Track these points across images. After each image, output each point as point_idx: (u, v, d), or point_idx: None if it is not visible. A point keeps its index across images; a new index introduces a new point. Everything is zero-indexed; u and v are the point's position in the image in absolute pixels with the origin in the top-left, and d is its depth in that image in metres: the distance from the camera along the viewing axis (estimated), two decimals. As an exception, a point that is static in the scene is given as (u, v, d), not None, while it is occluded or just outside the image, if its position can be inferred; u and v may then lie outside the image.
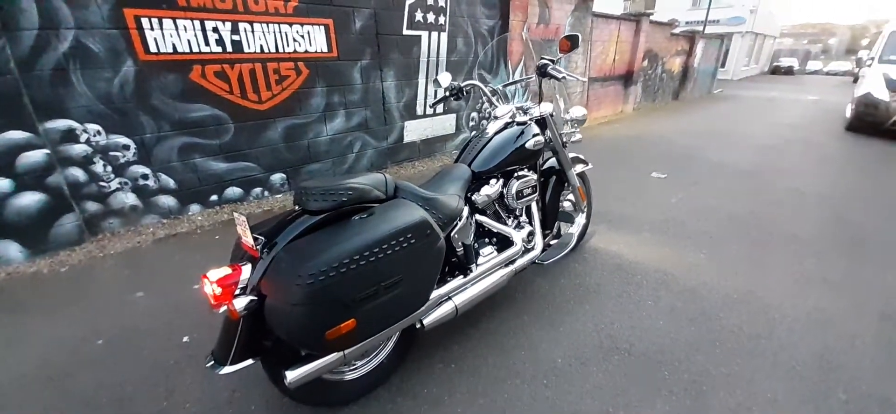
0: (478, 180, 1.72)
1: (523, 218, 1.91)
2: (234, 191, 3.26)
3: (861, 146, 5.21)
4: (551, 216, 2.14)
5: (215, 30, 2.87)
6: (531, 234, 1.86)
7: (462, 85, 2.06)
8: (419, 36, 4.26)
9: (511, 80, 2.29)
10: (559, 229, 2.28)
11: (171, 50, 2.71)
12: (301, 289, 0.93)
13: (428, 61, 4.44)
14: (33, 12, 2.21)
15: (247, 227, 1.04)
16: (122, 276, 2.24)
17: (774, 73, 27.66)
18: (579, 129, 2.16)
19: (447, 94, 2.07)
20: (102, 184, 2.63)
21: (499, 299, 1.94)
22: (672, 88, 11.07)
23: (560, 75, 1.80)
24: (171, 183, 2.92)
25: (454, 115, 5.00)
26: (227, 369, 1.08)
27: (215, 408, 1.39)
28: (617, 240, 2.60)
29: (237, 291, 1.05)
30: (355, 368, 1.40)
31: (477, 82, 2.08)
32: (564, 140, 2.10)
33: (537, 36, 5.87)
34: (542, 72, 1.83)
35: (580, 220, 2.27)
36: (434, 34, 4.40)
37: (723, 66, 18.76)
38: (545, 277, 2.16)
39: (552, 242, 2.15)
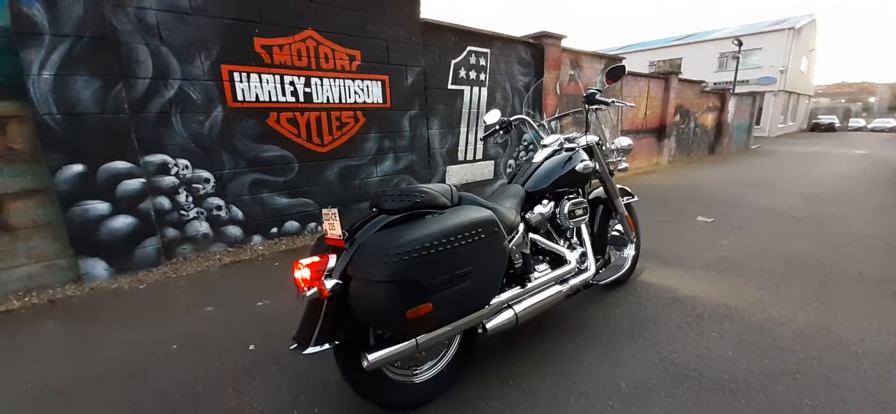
0: (530, 200, 1.81)
1: (574, 240, 1.95)
2: (292, 225, 3.50)
3: (927, 196, 4.89)
4: (600, 243, 2.16)
5: (291, 83, 3.28)
6: (584, 255, 1.88)
7: (510, 119, 2.23)
8: (462, 90, 4.62)
9: (559, 115, 2.44)
10: (609, 257, 2.28)
11: (254, 99, 3.11)
12: (387, 266, 1.02)
13: (469, 113, 4.76)
14: (148, 64, 2.66)
15: (337, 218, 1.16)
16: (194, 293, 2.42)
17: (814, 130, 26.82)
18: (625, 158, 2.24)
19: (497, 127, 2.24)
20: (183, 212, 2.92)
21: (551, 324, 1.94)
22: (707, 143, 10.99)
23: (609, 101, 1.92)
24: (240, 214, 3.20)
25: (492, 162, 5.21)
26: (311, 350, 1.15)
27: (281, 408, 1.44)
28: (669, 275, 2.54)
29: (325, 276, 1.16)
30: (419, 373, 1.43)
31: (525, 117, 2.25)
32: (611, 169, 2.18)
33: (569, 92, 6.17)
34: (591, 99, 1.96)
35: (630, 249, 2.27)
36: (476, 89, 4.76)
37: (758, 123, 18.48)
38: (597, 306, 2.14)
39: (604, 268, 2.15)
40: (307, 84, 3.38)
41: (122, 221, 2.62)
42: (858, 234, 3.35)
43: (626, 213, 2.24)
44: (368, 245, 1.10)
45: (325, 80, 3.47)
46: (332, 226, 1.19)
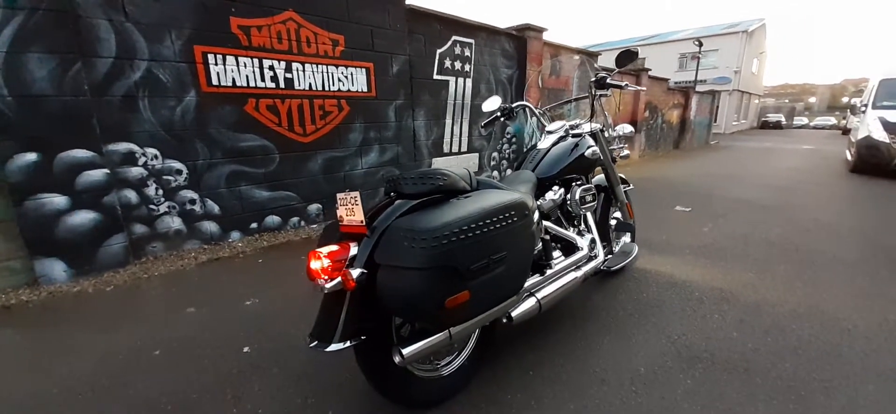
0: (540, 187, 1.77)
1: (582, 226, 1.93)
2: (273, 219, 3.29)
3: (869, 185, 5.33)
4: (603, 229, 2.16)
5: (271, 68, 3.07)
6: (593, 241, 1.87)
7: (512, 106, 2.19)
8: (447, 81, 4.53)
9: (561, 101, 2.42)
10: (613, 244, 2.30)
11: (230, 83, 2.88)
12: (424, 252, 0.93)
13: (454, 104, 4.68)
14: (111, 41, 2.38)
15: (359, 202, 1.06)
16: (171, 294, 2.20)
17: (764, 127, 28.89)
18: (627, 145, 2.25)
19: (499, 114, 2.18)
20: (152, 207, 2.66)
21: (560, 314, 1.91)
22: (672, 138, 11.52)
23: (622, 84, 1.91)
24: (216, 209, 2.96)
25: (477, 155, 5.16)
26: (334, 347, 1.05)
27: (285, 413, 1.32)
28: (663, 262, 2.59)
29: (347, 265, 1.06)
30: (441, 367, 1.35)
31: (527, 103, 2.21)
32: (613, 156, 2.18)
33: (550, 85, 6.24)
34: (601, 84, 1.94)
35: (630, 236, 2.29)
36: (461, 80, 4.69)
37: (715, 120, 19.64)
38: (600, 293, 2.14)
39: (611, 253, 2.15)
40: (288, 69, 3.18)
41: (84, 217, 2.35)
42: (823, 221, 3.59)
43: (626, 200, 2.25)
44: (399, 230, 1.01)
45: (307, 65, 3.28)
46: (352, 211, 1.09)
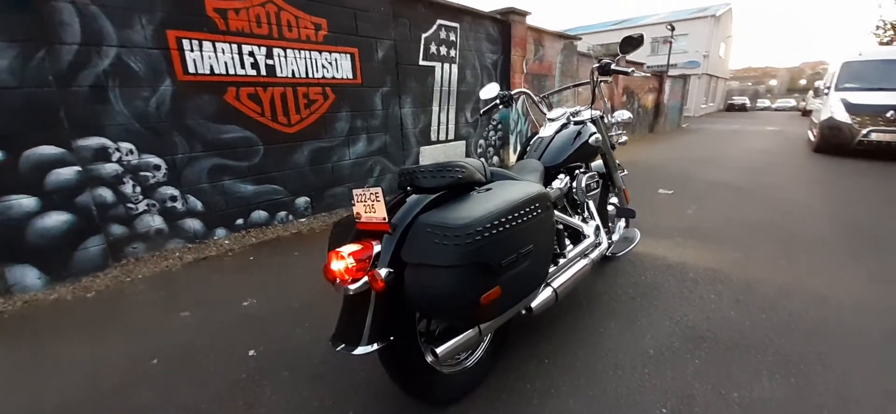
0: (546, 176, 1.77)
1: (586, 214, 1.95)
2: (259, 214, 3.16)
3: (834, 165, 5.67)
4: (603, 216, 2.19)
5: (251, 54, 2.90)
6: (598, 227, 1.89)
7: (511, 93, 2.16)
8: (433, 67, 4.44)
9: (560, 87, 2.41)
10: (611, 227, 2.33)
11: (208, 71, 2.70)
12: (458, 249, 0.90)
13: (441, 91, 4.60)
14: (76, 27, 2.18)
15: (381, 199, 1.02)
16: (159, 298, 2.08)
17: (729, 110, 30.12)
18: (624, 131, 2.27)
19: (497, 101, 2.15)
20: (130, 205, 2.49)
21: (566, 301, 1.93)
22: (648, 122, 11.84)
23: (629, 71, 1.91)
24: (199, 206, 2.81)
25: (463, 142, 5.12)
26: (362, 349, 1.01)
27: (309, 418, 1.27)
28: (654, 245, 2.67)
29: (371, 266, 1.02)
30: (463, 362, 1.34)
31: (526, 90, 2.19)
32: (612, 142, 2.20)
33: (533, 71, 6.23)
34: (605, 70, 1.93)
35: (625, 222, 2.34)
36: (447, 65, 4.60)
37: (685, 103, 20.32)
38: (601, 278, 2.18)
39: (614, 239, 2.19)
40: (269, 55, 3.02)
41: (56, 219, 2.17)
42: (798, 201, 3.79)
43: (623, 186, 2.29)
44: (426, 226, 0.97)
45: (289, 51, 3.12)
46: (372, 208, 1.04)
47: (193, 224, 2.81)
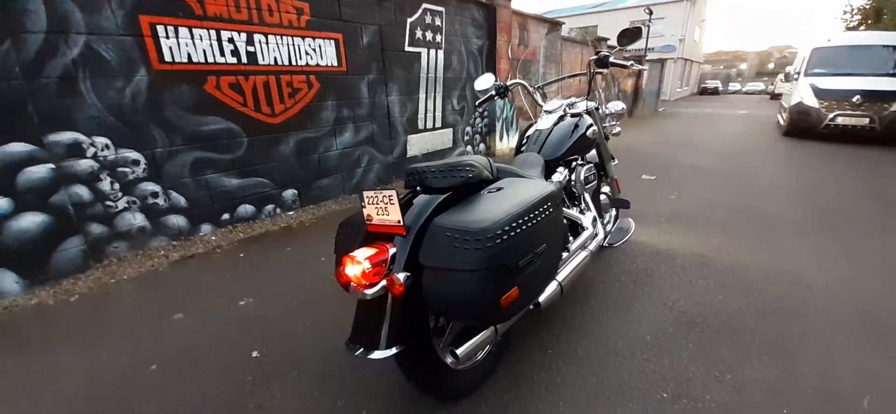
0: (546, 169, 1.78)
1: (583, 205, 1.99)
2: (246, 209, 3.06)
3: (803, 148, 5.96)
4: (597, 206, 2.24)
5: (231, 40, 2.76)
6: (595, 219, 1.93)
7: (507, 84, 2.15)
8: (419, 52, 4.35)
9: (556, 78, 2.41)
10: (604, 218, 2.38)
11: (186, 59, 2.56)
12: (479, 253, 0.91)
13: (427, 78, 4.53)
14: (41, 14, 2.01)
15: (396, 201, 1.00)
16: (149, 300, 2.01)
17: (703, 93, 31.02)
18: (618, 123, 2.31)
19: (493, 91, 2.13)
20: (109, 203, 2.37)
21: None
22: (627, 107, 12.07)
23: (627, 64, 1.92)
24: (182, 201, 2.70)
25: (451, 130, 5.09)
26: (381, 354, 1.01)
27: (322, 418, 1.27)
28: (643, 231, 2.75)
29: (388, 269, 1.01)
30: (473, 358, 1.36)
31: (522, 81, 2.18)
32: (606, 133, 2.24)
33: (518, 56, 6.21)
34: (603, 63, 1.93)
35: (615, 211, 2.40)
36: (432, 51, 4.53)
37: (661, 87, 20.78)
38: (594, 267, 2.24)
39: (609, 229, 2.23)
40: (250, 42, 2.88)
41: (31, 220, 2.04)
42: (772, 184, 3.98)
43: (615, 175, 2.34)
44: (444, 229, 0.96)
45: (270, 37, 2.99)
46: (385, 210, 1.03)
47: (177, 221, 2.70)
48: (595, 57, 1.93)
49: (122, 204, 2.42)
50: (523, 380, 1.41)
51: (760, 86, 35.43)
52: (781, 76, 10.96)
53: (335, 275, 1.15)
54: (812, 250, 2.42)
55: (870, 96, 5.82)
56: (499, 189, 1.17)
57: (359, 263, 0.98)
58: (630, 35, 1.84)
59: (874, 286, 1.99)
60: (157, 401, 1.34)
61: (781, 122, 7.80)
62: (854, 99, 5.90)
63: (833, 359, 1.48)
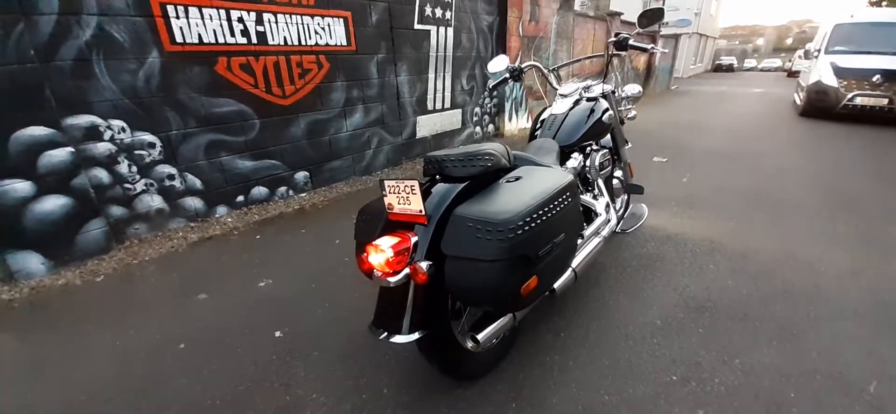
0: (561, 155, 1.78)
1: (596, 191, 1.99)
2: (260, 191, 3.10)
3: (819, 128, 5.84)
4: (610, 191, 2.24)
5: (240, 19, 2.74)
6: (608, 204, 1.94)
7: (521, 66, 2.11)
8: (429, 31, 4.27)
9: (572, 60, 2.37)
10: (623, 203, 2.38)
11: (196, 40, 2.55)
12: (501, 244, 0.93)
13: (436, 56, 4.46)
14: (53, -5, 2.01)
15: (418, 191, 1.02)
16: (172, 280, 2.08)
17: (717, 70, 30.13)
18: (634, 106, 2.28)
19: (507, 74, 2.11)
20: (128, 186, 2.41)
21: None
22: (639, 84, 11.81)
23: (648, 47, 1.89)
24: (198, 183, 2.74)
25: (460, 111, 5.04)
26: (403, 338, 1.05)
27: (344, 396, 1.33)
28: (654, 215, 2.75)
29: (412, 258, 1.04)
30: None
31: (536, 63, 2.14)
32: (621, 117, 2.21)
33: (529, 32, 6.06)
34: (622, 45, 1.88)
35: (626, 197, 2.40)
36: (442, 29, 4.44)
37: (674, 64, 20.22)
38: (605, 251, 2.26)
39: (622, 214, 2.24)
40: (259, 21, 2.85)
41: (54, 203, 2.09)
42: (783, 167, 3.92)
43: (629, 160, 2.32)
44: (466, 220, 0.98)
45: (279, 16, 2.95)
46: (407, 200, 1.05)
47: (194, 203, 2.75)
48: (614, 39, 1.89)
49: (140, 186, 2.47)
50: (537, 362, 1.46)
51: (777, 62, 34.38)
52: (800, 52, 10.60)
53: (357, 261, 1.18)
54: (824, 236, 2.41)
55: (890, 76, 5.63)
56: (517, 178, 1.19)
57: (383, 251, 1.01)
58: (651, 16, 1.80)
59: (885, 273, 2.00)
60: (188, 378, 1.41)
61: (798, 101, 7.59)
62: (874, 78, 5.71)
63: (841, 344, 1.51)
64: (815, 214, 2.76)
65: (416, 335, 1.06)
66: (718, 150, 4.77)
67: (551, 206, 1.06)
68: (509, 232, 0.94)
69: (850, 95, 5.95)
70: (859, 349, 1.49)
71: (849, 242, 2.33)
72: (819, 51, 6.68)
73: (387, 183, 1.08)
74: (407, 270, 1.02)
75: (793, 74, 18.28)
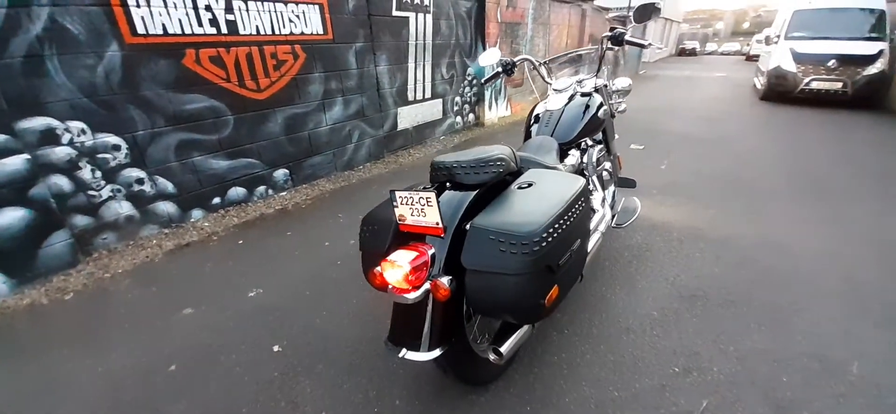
0: (560, 152, 1.78)
1: (591, 186, 2.01)
2: (237, 191, 2.95)
3: (780, 112, 6.17)
4: (601, 185, 2.27)
5: (208, 8, 2.54)
6: (603, 200, 1.97)
7: (513, 60, 2.09)
8: (407, 17, 4.15)
9: (565, 53, 2.35)
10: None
11: (160, 31, 2.35)
12: (526, 257, 0.91)
13: (416, 44, 4.34)
14: (-6, -16, 1.77)
15: (434, 203, 0.98)
16: (151, 294, 1.94)
17: (681, 54, 31.15)
18: (624, 99, 2.31)
19: (500, 68, 2.08)
20: (92, 193, 2.22)
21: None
22: (610, 69, 12.05)
23: (645, 43, 1.89)
24: (169, 187, 2.56)
25: (440, 101, 4.96)
26: (424, 355, 1.02)
27: (357, 412, 1.30)
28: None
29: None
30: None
31: (529, 56, 2.12)
32: (613, 111, 2.23)
33: (507, 18, 6.01)
34: (617, 40, 1.88)
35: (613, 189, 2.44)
36: (421, 15, 4.32)
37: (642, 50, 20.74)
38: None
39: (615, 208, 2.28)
40: (229, 9, 2.66)
41: (11, 216, 1.89)
42: (753, 150, 4.13)
43: (618, 153, 2.36)
44: (490, 233, 0.95)
45: (250, 3, 2.77)
46: (423, 212, 1.01)
47: (166, 207, 2.57)
48: (609, 34, 1.88)
49: (106, 193, 2.28)
50: (545, 361, 1.48)
51: (736, 46, 35.92)
52: (759, 37, 11.10)
53: (366, 275, 1.14)
54: (795, 219, 2.56)
55: (844, 60, 6.01)
56: (529, 183, 1.16)
57: (400, 267, 0.97)
58: (647, 11, 1.80)
59: (852, 252, 2.15)
60: (185, 403, 1.33)
61: (758, 85, 7.99)
62: (829, 63, 6.08)
63: (822, 326, 1.61)
64: (784, 197, 2.92)
65: (437, 352, 1.03)
66: (691, 135, 4.96)
67: (570, 214, 1.05)
68: (534, 244, 0.92)
69: (807, 80, 6.31)
70: (838, 330, 1.59)
71: (817, 223, 2.49)
72: (779, 36, 7.01)
73: (398, 194, 1.04)
74: (427, 286, 0.99)
75: (751, 58, 19.16)
